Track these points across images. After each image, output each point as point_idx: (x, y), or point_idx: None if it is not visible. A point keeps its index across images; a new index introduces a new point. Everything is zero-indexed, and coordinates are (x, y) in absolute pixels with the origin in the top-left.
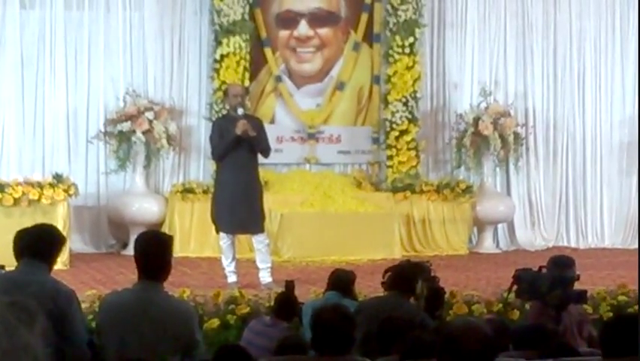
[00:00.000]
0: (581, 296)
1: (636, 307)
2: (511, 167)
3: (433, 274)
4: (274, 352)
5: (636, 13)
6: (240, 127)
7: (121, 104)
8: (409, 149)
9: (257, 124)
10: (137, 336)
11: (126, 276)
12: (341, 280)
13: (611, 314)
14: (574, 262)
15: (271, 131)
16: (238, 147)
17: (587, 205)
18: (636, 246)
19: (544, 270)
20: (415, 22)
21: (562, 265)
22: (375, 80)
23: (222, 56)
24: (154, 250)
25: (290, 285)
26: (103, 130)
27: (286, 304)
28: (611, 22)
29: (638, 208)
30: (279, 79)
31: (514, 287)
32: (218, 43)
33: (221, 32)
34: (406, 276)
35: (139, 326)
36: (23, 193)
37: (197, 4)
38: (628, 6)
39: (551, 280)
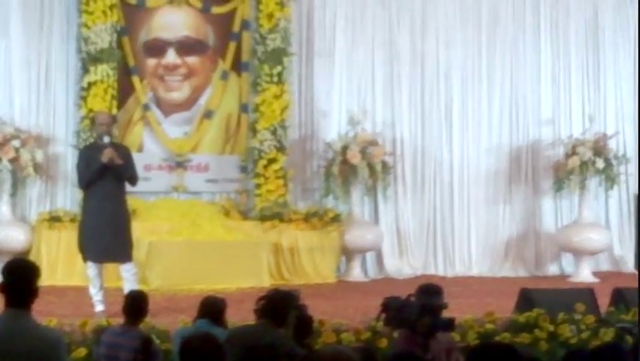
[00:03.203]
0: (449, 324)
1: (504, 334)
2: (380, 195)
3: (301, 302)
4: None
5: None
6: (106, 155)
7: None
8: (277, 177)
9: (124, 152)
10: None
11: None
12: (211, 308)
13: (478, 342)
14: (442, 290)
15: (139, 160)
16: (104, 175)
17: (454, 234)
18: (503, 274)
19: (412, 298)
20: (283, 50)
21: (430, 292)
22: (244, 108)
23: (90, 84)
24: (22, 278)
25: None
26: None
27: (135, 302)
28: (477, 52)
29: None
30: (146, 107)
31: (383, 315)
32: (86, 71)
33: (89, 60)
34: (279, 305)
35: (7, 355)
36: None
37: (65, 31)
38: (494, 36)
39: (419, 307)
